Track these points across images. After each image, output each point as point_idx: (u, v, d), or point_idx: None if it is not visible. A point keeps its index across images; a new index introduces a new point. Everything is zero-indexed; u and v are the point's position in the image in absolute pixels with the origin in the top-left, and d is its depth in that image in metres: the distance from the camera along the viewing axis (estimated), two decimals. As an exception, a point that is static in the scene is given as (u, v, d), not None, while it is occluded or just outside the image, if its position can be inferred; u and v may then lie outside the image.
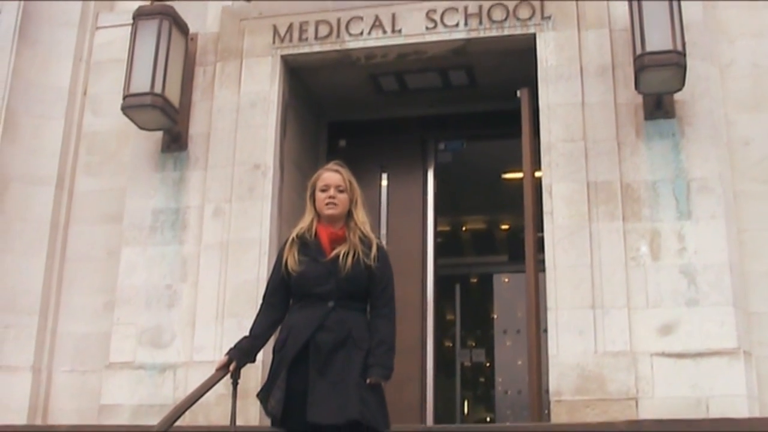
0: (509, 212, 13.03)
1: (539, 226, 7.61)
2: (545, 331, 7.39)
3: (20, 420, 7.94)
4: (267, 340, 4.86)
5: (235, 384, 4.81)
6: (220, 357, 4.91)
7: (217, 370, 4.77)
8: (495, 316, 11.71)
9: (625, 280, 7.19)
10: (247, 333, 4.91)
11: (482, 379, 14.43)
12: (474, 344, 13.70)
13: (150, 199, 8.38)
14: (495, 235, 14.60)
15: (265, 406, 4.64)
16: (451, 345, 12.92)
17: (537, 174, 7.80)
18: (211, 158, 8.35)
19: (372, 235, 4.81)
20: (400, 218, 9.55)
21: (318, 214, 4.85)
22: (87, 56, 9.31)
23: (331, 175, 4.87)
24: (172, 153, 8.47)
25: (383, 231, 9.51)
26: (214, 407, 7.13)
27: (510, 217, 13.48)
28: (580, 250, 7.33)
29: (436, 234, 9.65)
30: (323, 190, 4.82)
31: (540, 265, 7.60)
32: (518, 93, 8.00)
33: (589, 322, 7.14)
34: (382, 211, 9.63)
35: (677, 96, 7.47)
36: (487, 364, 12.93)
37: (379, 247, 4.80)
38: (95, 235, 8.73)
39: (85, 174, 8.97)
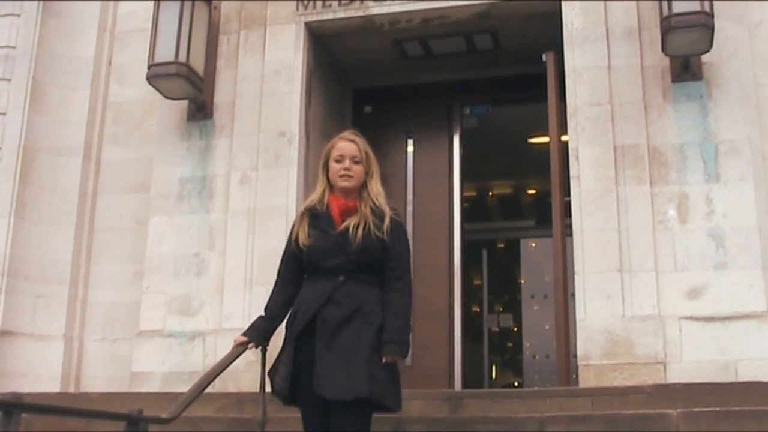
0: (536, 177, 13.01)
1: (566, 191, 7.59)
2: (573, 295, 7.38)
3: (54, 388, 8.06)
4: (283, 319, 4.70)
5: (264, 351, 4.80)
6: (250, 323, 4.84)
7: (236, 347, 4.70)
8: (522, 281, 11.72)
9: (652, 244, 7.16)
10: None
11: (510, 344, 14.47)
12: (501, 309, 13.73)
13: (176, 167, 8.41)
14: (521, 199, 14.57)
15: (272, 384, 4.53)
16: (478, 310, 12.95)
17: (563, 138, 7.77)
18: (237, 126, 8.36)
19: (385, 207, 4.59)
20: (427, 184, 9.55)
21: (331, 185, 4.67)
22: (111, 26, 9.33)
23: (347, 145, 4.67)
24: (197, 122, 8.49)
25: (410, 197, 9.52)
26: (243, 374, 7.19)
27: (536, 181, 13.46)
28: (607, 214, 7.29)
29: (463, 199, 9.64)
30: (338, 161, 4.63)
31: (567, 230, 7.58)
32: (544, 57, 7.96)
33: (617, 286, 7.12)
34: (408, 176, 9.64)
35: (705, 58, 7.39)
36: (515, 329, 12.96)
37: (393, 219, 4.56)
38: (123, 205, 8.79)
39: (112, 144, 9.03)
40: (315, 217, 4.59)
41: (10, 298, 8.17)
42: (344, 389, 4.19)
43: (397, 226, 4.59)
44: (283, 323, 4.71)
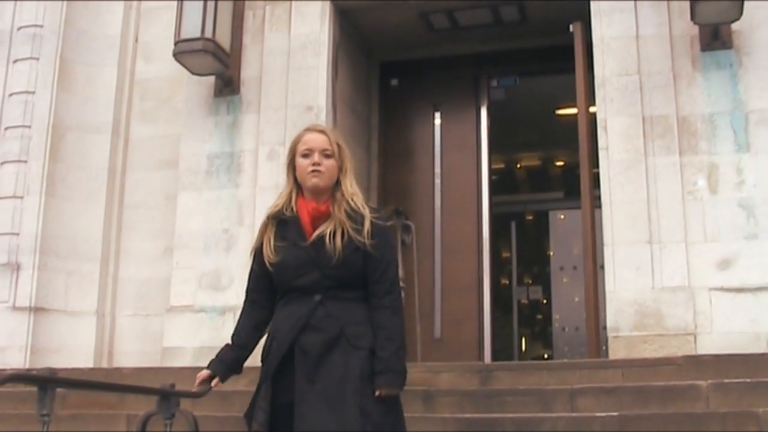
0: (564, 148, 12.94)
1: (594, 162, 7.55)
2: (602, 267, 7.36)
3: (87, 363, 8.15)
4: (253, 348, 3.97)
5: None
6: (217, 353, 4.00)
7: (199, 384, 3.90)
8: (551, 253, 11.68)
9: (682, 215, 7.12)
10: None
11: (539, 316, 14.45)
12: (530, 282, 13.70)
13: (205, 143, 8.44)
14: (550, 171, 14.51)
15: (249, 429, 3.76)
16: (507, 283, 12.94)
17: (591, 109, 7.72)
18: (264, 101, 8.37)
19: (364, 208, 3.80)
20: (454, 156, 9.54)
21: (298, 187, 3.88)
22: (137, 3, 9.36)
23: (315, 137, 3.86)
24: (224, 97, 8.51)
25: (437, 170, 9.51)
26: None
27: (565, 153, 13.38)
28: (637, 185, 7.26)
29: (491, 171, 9.62)
30: (305, 155, 3.82)
31: (596, 201, 7.55)
32: (571, 27, 7.89)
33: (647, 258, 7.10)
34: (435, 149, 9.63)
35: (735, 26, 7.30)
36: (544, 301, 12.93)
37: (374, 222, 3.76)
38: (152, 181, 8.85)
39: (140, 121, 9.07)
40: (282, 225, 3.85)
41: (43, 274, 8.26)
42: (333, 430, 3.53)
43: (380, 230, 3.79)
44: (257, 353, 3.97)
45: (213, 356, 3.92)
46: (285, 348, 3.66)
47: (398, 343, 3.67)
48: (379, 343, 3.64)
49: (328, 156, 3.82)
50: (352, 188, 3.84)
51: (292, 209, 3.84)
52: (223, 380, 3.93)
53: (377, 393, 3.57)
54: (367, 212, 3.78)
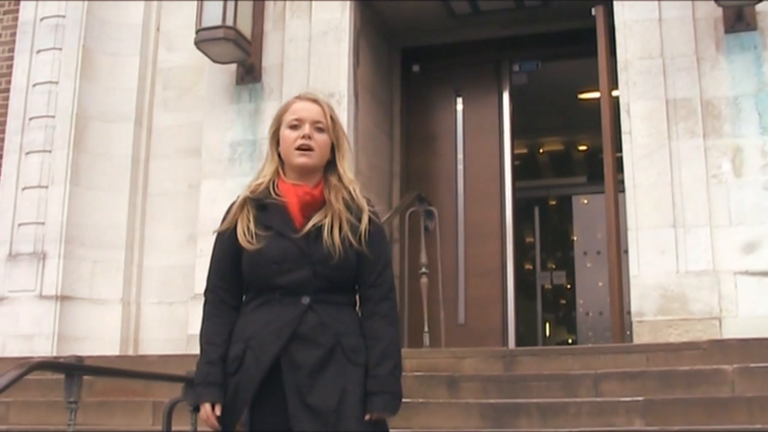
0: (587, 133, 12.88)
1: (618, 146, 7.51)
2: (626, 251, 7.33)
3: (113, 351, 8.21)
4: None
5: None
6: (201, 378, 3.18)
7: (213, 424, 3.07)
8: (575, 238, 11.67)
9: (706, 198, 7.07)
10: None
11: (563, 301, 14.44)
12: (554, 266, 13.69)
13: (227, 131, 8.46)
14: (573, 156, 14.45)
15: None
16: (531, 267, 12.94)
17: (614, 93, 7.68)
18: (286, 88, 8.37)
19: (362, 199, 3.19)
20: (477, 142, 9.52)
21: (283, 164, 3.22)
22: (159, -8, 9.38)
23: (307, 106, 3.21)
24: (246, 85, 8.52)
25: (460, 155, 9.50)
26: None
27: (588, 137, 13.33)
28: (660, 168, 7.22)
29: (513, 156, 9.60)
30: (293, 127, 3.17)
31: (619, 186, 7.52)
32: (593, 10, 7.85)
33: (671, 242, 7.06)
34: (458, 135, 9.62)
35: (759, 7, 7.23)
36: (568, 286, 12.93)
37: (371, 218, 3.17)
38: (175, 170, 8.88)
39: (163, 109, 9.11)
40: (263, 210, 3.16)
41: (69, 263, 8.33)
42: None
43: (378, 229, 3.21)
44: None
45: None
46: (268, 362, 3.02)
47: (395, 360, 3.09)
48: (374, 359, 3.06)
49: (320, 130, 3.18)
50: (350, 173, 3.24)
51: (275, 192, 3.17)
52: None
53: (368, 417, 3.00)
54: (365, 205, 3.19)
